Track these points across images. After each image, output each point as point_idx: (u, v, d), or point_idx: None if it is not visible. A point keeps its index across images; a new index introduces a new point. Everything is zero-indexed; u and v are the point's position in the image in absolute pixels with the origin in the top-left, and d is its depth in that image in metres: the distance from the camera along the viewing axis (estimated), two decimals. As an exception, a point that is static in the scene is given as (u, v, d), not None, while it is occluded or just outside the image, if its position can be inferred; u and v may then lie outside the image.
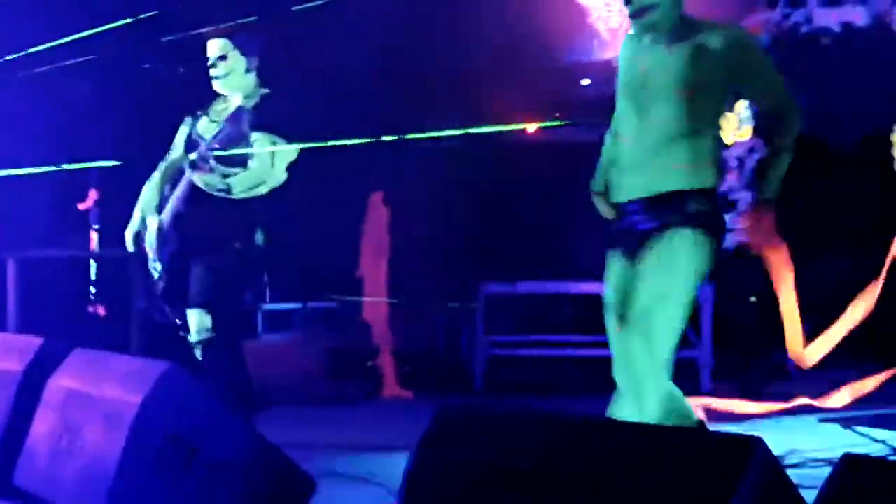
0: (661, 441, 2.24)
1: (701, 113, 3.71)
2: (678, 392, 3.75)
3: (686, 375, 4.01)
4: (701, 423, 3.82)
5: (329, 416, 6.71)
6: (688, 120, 3.68)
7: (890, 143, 6.25)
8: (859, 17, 7.90)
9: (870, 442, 5.53)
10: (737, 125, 8.86)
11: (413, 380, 7.76)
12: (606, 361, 3.83)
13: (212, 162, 4.96)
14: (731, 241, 8.76)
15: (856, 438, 5.64)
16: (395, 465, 2.75)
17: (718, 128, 3.81)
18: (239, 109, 5.08)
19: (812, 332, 5.79)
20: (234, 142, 4.96)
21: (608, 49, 8.15)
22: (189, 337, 4.90)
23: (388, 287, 8.23)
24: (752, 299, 7.56)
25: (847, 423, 5.96)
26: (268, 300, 8.08)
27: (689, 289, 3.64)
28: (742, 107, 8.86)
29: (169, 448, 3.43)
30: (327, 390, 7.35)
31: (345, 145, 5.41)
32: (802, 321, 5.71)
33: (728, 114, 8.79)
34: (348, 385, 7.55)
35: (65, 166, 6.56)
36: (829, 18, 8.34)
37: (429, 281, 8.25)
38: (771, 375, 7.54)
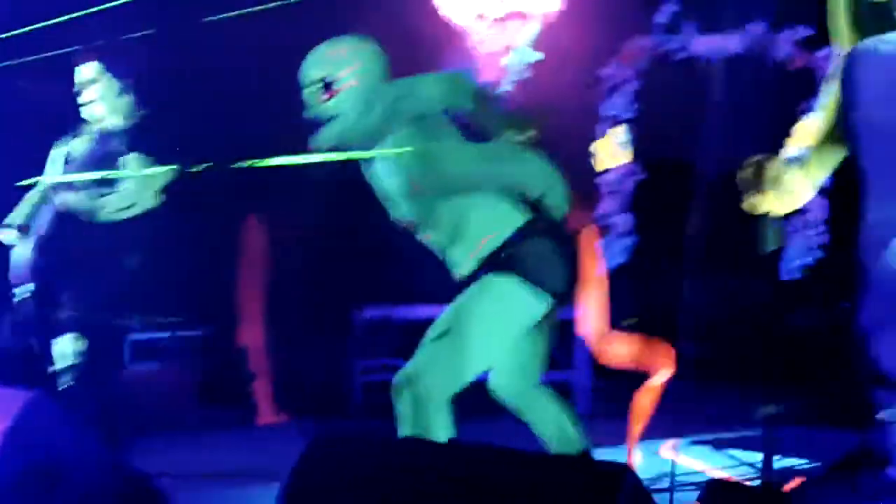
0: (534, 469, 2.23)
1: None
2: (560, 417, 3.80)
3: (566, 398, 4.04)
4: (586, 449, 3.85)
5: (204, 444, 6.59)
6: None
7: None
8: (734, 44, 8.07)
9: (738, 464, 5.62)
10: (614, 150, 8.97)
11: (289, 405, 7.66)
12: (482, 384, 3.84)
13: (81, 182, 4.85)
14: (605, 264, 8.90)
15: (726, 460, 5.72)
16: (270, 493, 2.70)
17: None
18: (113, 130, 4.98)
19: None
20: (106, 163, 4.86)
21: (486, 73, 8.19)
22: (56, 364, 4.76)
23: (263, 312, 8.13)
24: (632, 321, 7.65)
25: (717, 445, 6.04)
26: (141, 326, 7.92)
27: None
28: (619, 132, 8.98)
29: (32, 478, 3.32)
30: (202, 417, 7.22)
31: (220, 168, 5.33)
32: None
33: (604, 138, 8.91)
34: (223, 411, 7.43)
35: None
36: (704, 46, 8.51)
37: (305, 305, 8.17)
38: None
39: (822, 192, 7.03)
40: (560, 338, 7.52)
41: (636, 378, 5.74)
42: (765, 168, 2.51)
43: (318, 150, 3.72)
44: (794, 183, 2.49)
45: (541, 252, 3.64)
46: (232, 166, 4.18)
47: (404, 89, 3.76)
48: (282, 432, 7.08)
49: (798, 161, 2.51)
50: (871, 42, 1.84)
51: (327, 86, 3.69)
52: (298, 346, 8.14)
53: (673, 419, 6.13)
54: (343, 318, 7.87)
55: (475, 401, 3.94)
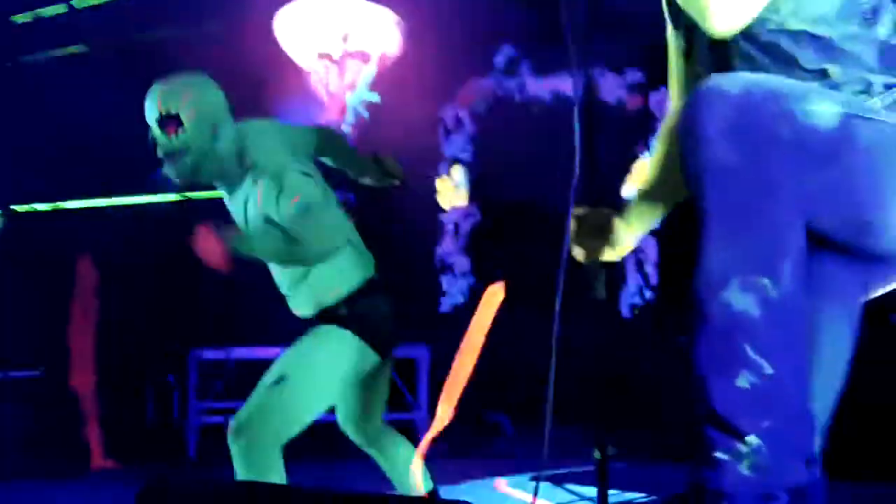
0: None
1: None
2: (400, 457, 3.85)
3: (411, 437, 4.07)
4: (431, 488, 3.90)
5: (34, 492, 6.37)
6: None
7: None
8: (569, 86, 8.21)
9: (578, 499, 5.67)
10: (452, 191, 9.04)
11: (122, 449, 7.46)
12: (326, 426, 3.84)
13: None
14: (446, 304, 8.95)
15: (566, 496, 5.77)
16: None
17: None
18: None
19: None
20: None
21: (328, 113, 8.18)
22: None
23: (97, 354, 7.92)
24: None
25: (558, 480, 6.10)
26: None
27: None
28: (457, 173, 9.05)
29: None
30: (31, 464, 6.99)
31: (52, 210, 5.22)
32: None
33: (444, 178, 8.97)
34: (54, 458, 7.20)
35: None
36: (540, 88, 8.66)
37: (139, 347, 8.00)
38: (486, 434, 7.67)
39: (654, 232, 7.21)
40: (406, 378, 7.59)
41: (477, 418, 5.79)
42: (590, 218, 2.53)
43: (170, 186, 3.67)
44: (620, 231, 2.52)
45: (376, 310, 3.74)
46: (65, 207, 4.08)
47: (264, 131, 3.74)
48: (114, 478, 6.90)
49: (627, 207, 2.54)
50: (715, 81, 1.87)
51: (170, 121, 3.62)
52: (132, 388, 7.97)
53: (510, 455, 6.19)
54: (179, 360, 7.73)
55: (322, 442, 3.92)
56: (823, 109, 1.85)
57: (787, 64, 2.03)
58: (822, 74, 2.01)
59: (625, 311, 8.58)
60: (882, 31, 2.03)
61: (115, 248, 7.83)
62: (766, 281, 1.80)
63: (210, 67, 3.90)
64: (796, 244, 1.85)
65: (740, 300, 1.80)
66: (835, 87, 2.00)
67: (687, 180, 1.89)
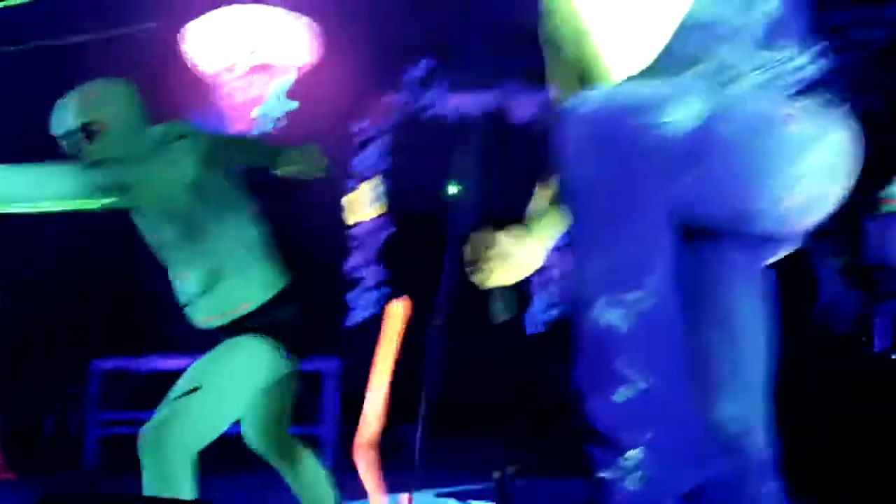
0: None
1: None
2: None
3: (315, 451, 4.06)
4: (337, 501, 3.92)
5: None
6: None
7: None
8: (485, 103, 8.27)
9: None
10: (364, 203, 9.03)
11: (19, 460, 7.32)
12: (231, 438, 3.81)
13: None
14: (356, 316, 8.92)
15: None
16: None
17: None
18: None
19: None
20: None
21: (236, 124, 8.13)
22: None
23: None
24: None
25: (462, 497, 6.10)
26: None
27: None
28: (370, 186, 9.04)
29: None
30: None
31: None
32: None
33: (355, 192, 8.96)
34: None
35: None
36: (453, 104, 8.68)
37: (38, 355, 7.86)
38: (393, 449, 7.64)
39: (566, 247, 7.26)
40: (310, 391, 7.53)
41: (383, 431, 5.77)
42: (488, 242, 2.49)
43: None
44: (522, 251, 2.48)
45: (289, 319, 3.72)
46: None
47: (185, 137, 3.68)
48: (11, 490, 6.77)
49: (528, 224, 2.51)
50: (571, 102, 1.87)
51: (88, 131, 3.56)
52: (31, 397, 7.83)
53: (413, 471, 6.17)
54: (79, 369, 7.60)
55: (230, 455, 3.88)
56: (681, 116, 1.84)
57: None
58: (701, 52, 2.01)
59: (536, 327, 8.62)
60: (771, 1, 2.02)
61: (15, 256, 7.70)
62: (633, 295, 1.80)
63: (117, 75, 3.84)
64: (666, 250, 1.84)
65: (610, 316, 1.80)
66: (718, 68, 1.99)
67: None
